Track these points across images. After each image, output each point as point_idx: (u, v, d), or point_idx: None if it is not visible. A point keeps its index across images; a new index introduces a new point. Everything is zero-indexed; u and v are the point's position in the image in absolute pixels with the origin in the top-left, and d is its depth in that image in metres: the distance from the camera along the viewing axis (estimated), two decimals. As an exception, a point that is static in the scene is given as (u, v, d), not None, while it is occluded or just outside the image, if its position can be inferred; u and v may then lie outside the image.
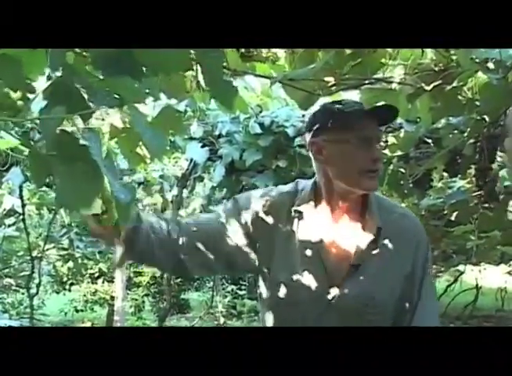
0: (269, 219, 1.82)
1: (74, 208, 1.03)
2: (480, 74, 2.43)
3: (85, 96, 0.96)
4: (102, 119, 2.69)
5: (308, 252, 1.77)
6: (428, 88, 2.16)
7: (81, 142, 0.92)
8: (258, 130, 3.59)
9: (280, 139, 3.77)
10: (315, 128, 1.77)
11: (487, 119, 2.76)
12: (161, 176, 5.24)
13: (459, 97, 2.47)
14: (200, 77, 1.12)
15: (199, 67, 1.11)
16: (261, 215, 1.81)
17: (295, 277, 1.76)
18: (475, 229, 3.24)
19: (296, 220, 1.79)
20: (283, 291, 1.79)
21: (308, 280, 1.75)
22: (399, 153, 3.01)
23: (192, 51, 1.08)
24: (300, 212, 1.78)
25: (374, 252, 1.75)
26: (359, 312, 1.73)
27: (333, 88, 2.16)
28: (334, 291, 1.73)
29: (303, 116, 3.75)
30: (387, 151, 2.95)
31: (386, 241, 1.77)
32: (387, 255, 1.76)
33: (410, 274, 1.77)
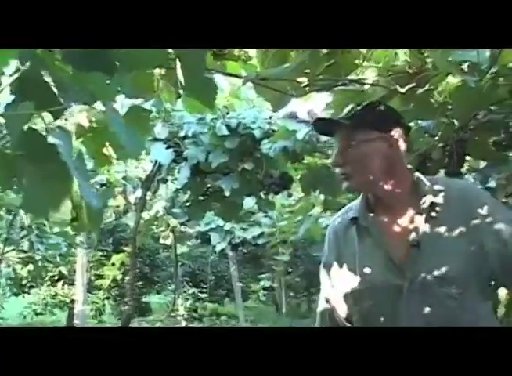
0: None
1: (42, 212, 0.95)
2: (450, 78, 2.41)
3: (55, 91, 0.89)
4: (66, 119, 2.59)
5: (369, 244, 1.82)
6: (402, 90, 2.13)
7: (50, 141, 0.85)
8: (225, 131, 3.52)
9: (247, 141, 3.71)
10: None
11: (456, 123, 2.75)
12: (124, 178, 5.15)
13: (432, 100, 2.44)
14: (180, 75, 1.04)
15: (178, 64, 1.04)
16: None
17: (360, 270, 1.80)
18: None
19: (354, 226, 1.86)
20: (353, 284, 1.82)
21: (374, 270, 1.78)
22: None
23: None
24: (355, 218, 1.86)
25: (434, 230, 1.73)
26: (436, 293, 1.69)
27: (307, 88, 2.12)
28: (402, 276, 1.72)
29: (270, 118, 3.70)
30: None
31: (444, 217, 1.72)
32: (449, 230, 1.72)
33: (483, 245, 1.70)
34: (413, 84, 2.15)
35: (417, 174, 1.83)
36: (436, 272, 1.69)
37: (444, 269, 1.68)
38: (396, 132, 1.80)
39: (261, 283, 10.69)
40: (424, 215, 1.73)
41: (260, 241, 7.32)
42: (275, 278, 6.91)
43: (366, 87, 2.30)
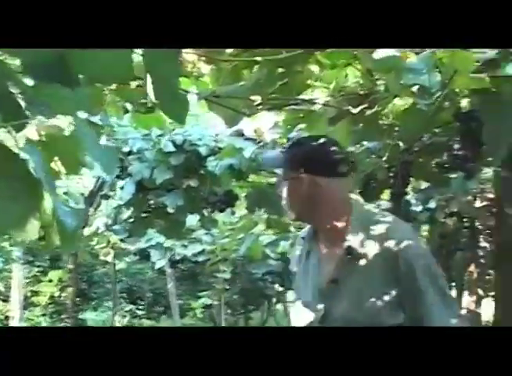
0: None
1: (6, 232, 0.90)
2: (398, 100, 2.44)
3: (22, 104, 0.85)
4: (8, 131, 2.52)
5: (307, 264, 1.96)
6: (355, 110, 2.15)
7: (19, 155, 0.81)
8: (171, 148, 3.48)
9: (192, 157, 3.68)
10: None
11: (402, 145, 2.79)
12: (66, 193, 5.03)
13: (380, 122, 2.47)
14: (150, 89, 1.01)
15: (148, 78, 1.01)
16: None
17: (298, 284, 2.01)
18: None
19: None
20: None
21: (306, 289, 1.93)
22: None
23: (142, 59, 0.99)
24: (303, 238, 2.04)
25: (352, 267, 1.81)
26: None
27: (259, 107, 2.11)
28: (320, 303, 1.86)
29: (216, 135, 3.68)
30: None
31: (364, 254, 1.79)
32: (367, 268, 1.79)
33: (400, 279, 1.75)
34: (365, 106, 2.17)
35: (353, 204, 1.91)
36: (346, 312, 1.79)
37: (354, 309, 1.78)
38: (318, 172, 1.86)
39: (201, 300, 10.58)
40: (345, 253, 1.81)
41: (200, 258, 7.26)
42: (214, 295, 6.87)
43: (317, 107, 2.32)
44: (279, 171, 2.02)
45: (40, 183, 0.81)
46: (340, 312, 1.80)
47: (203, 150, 3.56)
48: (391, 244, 1.77)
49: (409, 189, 3.13)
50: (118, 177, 3.88)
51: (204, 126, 3.68)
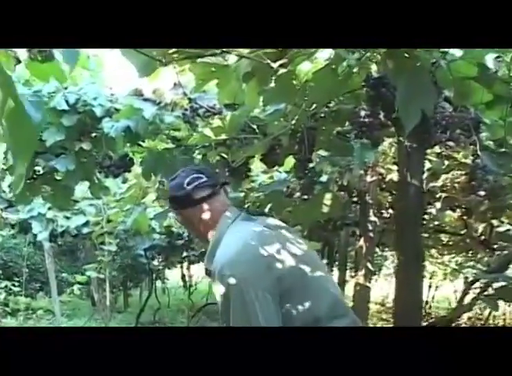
0: None
1: None
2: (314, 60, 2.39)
3: None
4: None
5: None
6: (275, 65, 2.05)
7: None
8: (65, 106, 3.24)
9: (86, 118, 3.45)
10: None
11: (310, 109, 2.73)
12: None
13: (294, 82, 2.39)
14: None
15: None
16: None
17: None
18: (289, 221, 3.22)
19: None
20: None
21: None
22: (224, 137, 2.88)
23: None
24: None
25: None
26: None
27: (174, 56, 1.98)
28: None
29: (112, 95, 3.48)
30: (211, 134, 2.81)
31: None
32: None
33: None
34: (284, 61, 2.09)
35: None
36: None
37: None
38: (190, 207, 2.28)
39: (81, 276, 10.24)
40: None
41: (84, 231, 6.97)
42: (100, 270, 6.64)
43: (233, 60, 2.21)
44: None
45: None
46: None
47: (98, 111, 3.33)
48: None
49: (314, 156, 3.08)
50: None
51: (100, 85, 3.45)
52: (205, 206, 2.25)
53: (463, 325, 10.90)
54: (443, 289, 14.66)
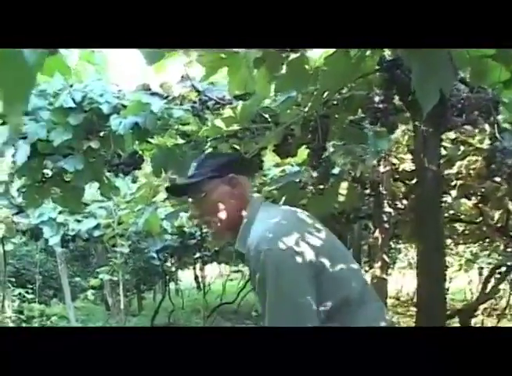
0: None
1: None
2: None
3: None
4: None
5: None
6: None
7: None
8: (72, 104, 3.17)
9: (93, 116, 3.38)
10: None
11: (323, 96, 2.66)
12: None
13: (306, 66, 2.32)
14: None
15: None
16: None
17: None
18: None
19: None
20: None
21: None
22: (235, 127, 2.81)
23: None
24: None
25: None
26: None
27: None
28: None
29: (119, 91, 3.41)
30: (222, 125, 2.74)
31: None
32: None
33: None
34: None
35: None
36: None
37: None
38: (234, 173, 2.22)
39: (94, 280, 10.19)
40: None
41: (95, 234, 6.92)
42: (113, 272, 6.58)
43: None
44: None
45: None
46: None
47: (105, 108, 3.26)
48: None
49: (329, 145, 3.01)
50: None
51: (106, 82, 3.38)
52: (234, 187, 2.23)
53: (480, 316, 10.79)
54: (457, 281, 14.55)
